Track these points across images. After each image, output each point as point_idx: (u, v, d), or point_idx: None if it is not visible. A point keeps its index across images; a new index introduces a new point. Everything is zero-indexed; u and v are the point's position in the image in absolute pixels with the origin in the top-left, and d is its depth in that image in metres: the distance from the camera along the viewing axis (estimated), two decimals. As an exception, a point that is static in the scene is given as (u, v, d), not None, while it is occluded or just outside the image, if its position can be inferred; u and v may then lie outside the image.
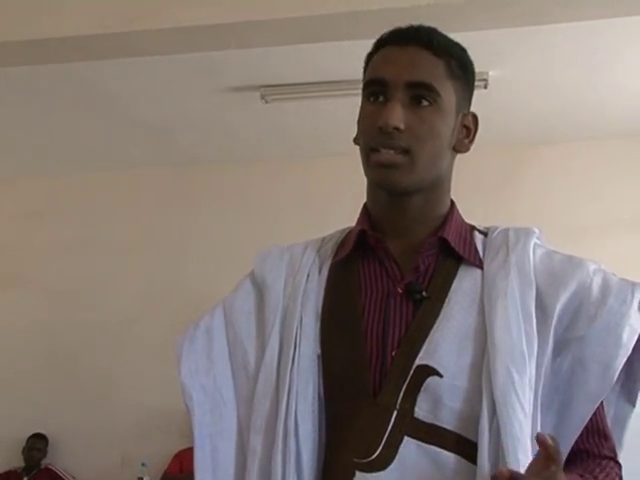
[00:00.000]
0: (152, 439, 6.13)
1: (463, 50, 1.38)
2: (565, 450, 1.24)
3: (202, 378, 1.41)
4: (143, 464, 5.87)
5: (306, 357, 1.32)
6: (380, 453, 1.22)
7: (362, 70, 1.41)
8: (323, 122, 5.64)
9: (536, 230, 1.40)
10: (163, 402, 6.17)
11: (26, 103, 5.25)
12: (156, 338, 6.23)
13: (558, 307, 1.26)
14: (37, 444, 6.09)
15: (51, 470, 6.07)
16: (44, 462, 6.12)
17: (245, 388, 1.38)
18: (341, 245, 1.44)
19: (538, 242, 1.38)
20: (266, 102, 5.10)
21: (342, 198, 6.17)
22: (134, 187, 6.64)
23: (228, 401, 1.39)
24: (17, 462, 6.10)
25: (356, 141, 1.39)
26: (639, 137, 5.85)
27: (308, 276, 1.41)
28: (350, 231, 1.45)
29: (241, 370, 1.39)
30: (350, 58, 4.51)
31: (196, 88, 5.08)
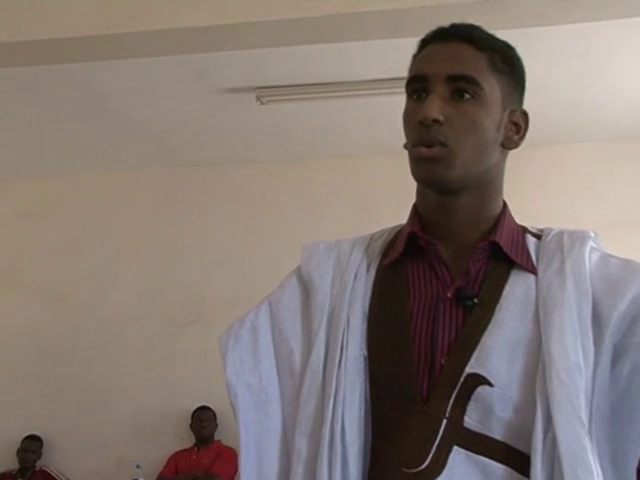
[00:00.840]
0: (147, 441, 6.12)
1: (509, 46, 1.35)
2: (634, 458, 1.20)
3: (248, 376, 1.39)
4: (138, 466, 5.86)
5: (353, 360, 1.30)
6: (429, 463, 1.19)
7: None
8: (319, 124, 5.64)
9: (592, 233, 1.35)
10: (158, 404, 6.18)
11: (20, 104, 5.25)
12: (151, 340, 6.24)
13: (615, 315, 1.21)
14: (32, 446, 6.07)
15: (46, 472, 6.06)
16: (39, 464, 6.10)
17: (290, 387, 1.37)
18: (390, 245, 1.41)
19: (594, 245, 1.33)
20: (262, 103, 5.10)
21: (338, 199, 6.19)
22: (129, 189, 6.64)
23: (273, 400, 1.38)
24: (11, 464, 6.07)
25: (406, 146, 1.35)
26: (633, 139, 5.87)
27: (356, 275, 1.38)
28: (399, 231, 1.43)
29: (286, 369, 1.38)
30: (346, 59, 4.55)
31: (191, 89, 5.07)
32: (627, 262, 1.30)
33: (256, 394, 1.38)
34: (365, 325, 1.33)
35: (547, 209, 5.48)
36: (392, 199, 6.07)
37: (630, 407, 1.20)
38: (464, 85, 1.26)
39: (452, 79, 1.27)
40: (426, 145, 1.25)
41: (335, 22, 3.44)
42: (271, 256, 6.19)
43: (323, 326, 1.35)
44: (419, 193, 1.38)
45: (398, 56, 4.33)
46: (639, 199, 5.87)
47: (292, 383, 1.37)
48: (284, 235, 6.23)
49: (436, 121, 1.24)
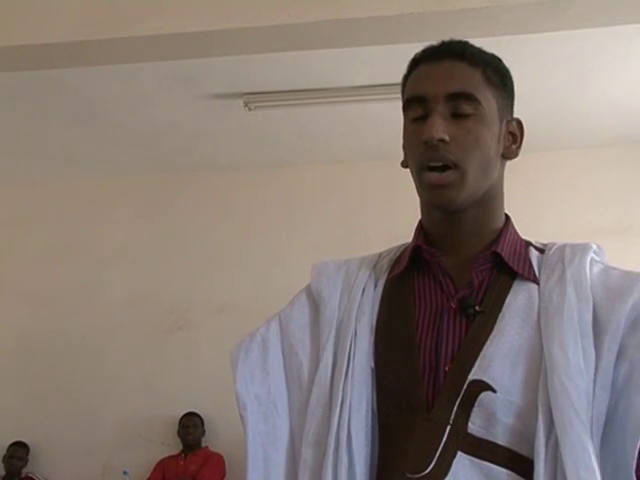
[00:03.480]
0: (134, 447, 6.10)
1: (498, 59, 1.37)
2: (633, 460, 1.19)
3: (257, 388, 1.41)
4: (125, 472, 5.85)
5: (360, 370, 1.32)
6: (433, 468, 1.21)
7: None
8: (306, 129, 5.65)
9: (593, 245, 1.38)
10: (145, 410, 6.16)
11: (9, 109, 5.23)
12: (139, 346, 6.23)
13: (614, 320, 1.23)
14: (18, 452, 6.04)
15: (32, 478, 6.03)
16: (25, 471, 6.07)
17: (298, 399, 1.39)
18: (397, 261, 1.44)
19: (596, 258, 1.35)
20: (249, 109, 5.10)
21: (326, 205, 6.20)
22: (118, 194, 6.63)
23: (282, 412, 1.40)
24: (-2, 471, 6.06)
25: (404, 164, 1.38)
26: (619, 146, 5.90)
27: (363, 291, 1.41)
28: (406, 247, 1.45)
29: (295, 382, 1.40)
30: (333, 66, 4.55)
31: (179, 95, 5.07)
32: (628, 272, 1.32)
33: (265, 405, 1.40)
34: (372, 337, 1.35)
35: (533, 216, 5.49)
36: (379, 205, 6.09)
37: (625, 407, 1.21)
38: (463, 102, 1.28)
39: (451, 97, 1.28)
40: (435, 166, 1.27)
41: (322, 29, 3.45)
42: (259, 262, 6.20)
43: (331, 339, 1.37)
44: (424, 209, 1.40)
45: (385, 63, 4.36)
46: (625, 205, 5.90)
47: (300, 395, 1.39)
48: (272, 241, 6.23)
49: (441, 140, 1.26)
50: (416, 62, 1.36)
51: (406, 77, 1.38)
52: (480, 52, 1.35)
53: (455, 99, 1.28)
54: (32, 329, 6.39)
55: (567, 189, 5.98)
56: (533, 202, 5.70)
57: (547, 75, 4.71)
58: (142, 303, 6.34)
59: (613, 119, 5.46)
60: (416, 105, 1.31)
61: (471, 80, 1.30)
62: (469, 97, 1.28)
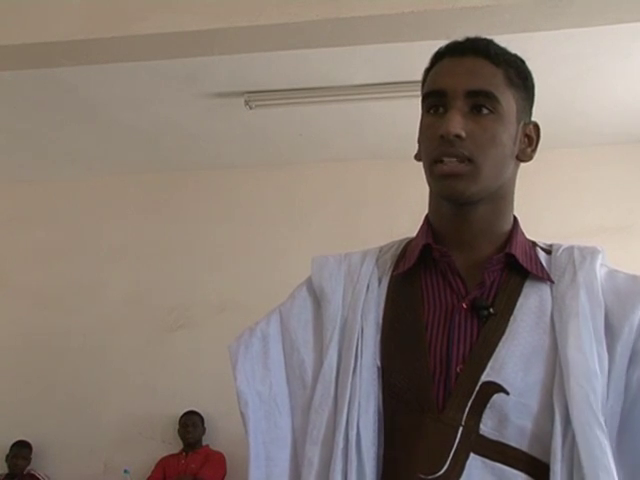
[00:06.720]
0: (135, 446, 6.11)
1: (521, 60, 1.38)
2: None
3: (258, 385, 1.39)
4: (126, 470, 5.85)
5: (367, 369, 1.31)
6: (447, 470, 1.20)
7: (421, 84, 1.37)
8: (307, 128, 5.65)
9: (600, 249, 1.38)
10: (146, 409, 6.16)
11: (9, 108, 5.23)
12: (140, 344, 6.23)
13: (627, 326, 1.25)
14: (22, 453, 6.04)
15: (34, 476, 6.03)
16: (27, 468, 6.07)
17: (301, 397, 1.38)
18: (401, 257, 1.42)
19: (601, 261, 1.36)
20: (250, 108, 5.10)
21: (326, 204, 6.20)
22: (118, 193, 6.63)
23: (283, 409, 1.38)
24: (0, 469, 6.05)
25: (417, 157, 1.37)
26: (619, 145, 5.90)
27: (368, 287, 1.39)
28: (409, 242, 1.44)
29: (297, 379, 1.39)
30: (334, 65, 4.56)
31: (180, 94, 5.07)
32: (634, 277, 1.33)
33: (266, 403, 1.38)
34: (379, 335, 1.34)
35: (534, 214, 5.48)
36: (380, 204, 6.09)
37: None
38: (483, 100, 1.28)
39: (471, 94, 1.28)
40: (449, 158, 1.27)
41: (323, 27, 3.45)
42: (260, 260, 6.20)
43: (335, 337, 1.36)
44: (433, 204, 1.39)
45: (386, 61, 4.36)
46: (627, 204, 5.90)
47: (303, 393, 1.38)
48: (272, 239, 6.23)
49: (458, 136, 1.25)
50: (439, 56, 1.36)
51: (427, 70, 1.38)
52: (504, 52, 1.35)
53: (475, 96, 1.28)
54: (33, 328, 6.39)
55: (568, 188, 5.98)
56: (534, 201, 5.70)
57: (548, 74, 4.71)
58: (143, 301, 6.35)
59: (614, 118, 5.46)
60: (435, 99, 1.32)
61: (492, 79, 1.30)
62: (489, 95, 1.28)
